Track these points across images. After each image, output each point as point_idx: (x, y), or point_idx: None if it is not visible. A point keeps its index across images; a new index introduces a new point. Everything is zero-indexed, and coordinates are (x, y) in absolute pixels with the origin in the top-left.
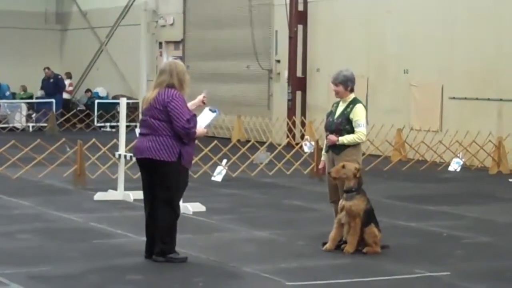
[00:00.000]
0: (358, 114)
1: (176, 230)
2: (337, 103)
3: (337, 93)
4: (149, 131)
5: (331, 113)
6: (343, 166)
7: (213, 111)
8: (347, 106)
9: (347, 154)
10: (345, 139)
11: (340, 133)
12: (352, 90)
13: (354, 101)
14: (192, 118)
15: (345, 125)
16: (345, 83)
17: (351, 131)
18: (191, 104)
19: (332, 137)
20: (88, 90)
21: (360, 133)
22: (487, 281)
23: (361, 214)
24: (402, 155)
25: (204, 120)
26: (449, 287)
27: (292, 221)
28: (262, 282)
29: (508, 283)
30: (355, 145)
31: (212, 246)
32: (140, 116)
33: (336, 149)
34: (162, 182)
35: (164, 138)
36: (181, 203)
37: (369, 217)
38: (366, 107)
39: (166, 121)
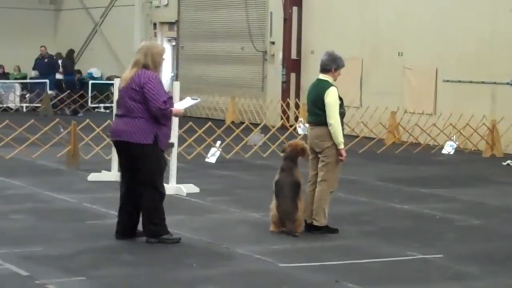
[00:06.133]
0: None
1: (163, 210)
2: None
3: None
4: (125, 112)
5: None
6: None
7: (194, 99)
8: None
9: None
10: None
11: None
12: None
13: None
14: (168, 100)
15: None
16: None
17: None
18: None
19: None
20: (78, 71)
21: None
22: (479, 263)
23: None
24: (396, 137)
25: (183, 105)
26: (441, 269)
27: None
28: (255, 263)
29: (499, 265)
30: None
31: (206, 227)
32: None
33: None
34: (142, 165)
35: (140, 121)
36: (174, 184)
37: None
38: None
39: (142, 102)
